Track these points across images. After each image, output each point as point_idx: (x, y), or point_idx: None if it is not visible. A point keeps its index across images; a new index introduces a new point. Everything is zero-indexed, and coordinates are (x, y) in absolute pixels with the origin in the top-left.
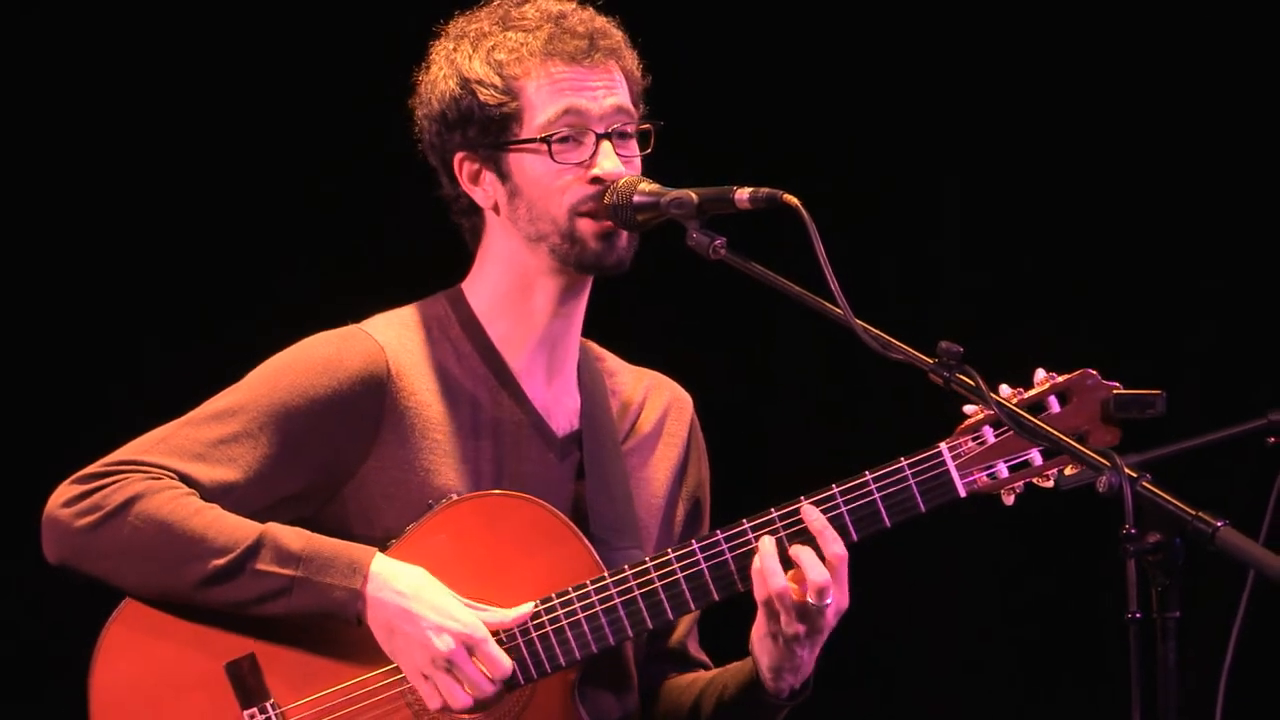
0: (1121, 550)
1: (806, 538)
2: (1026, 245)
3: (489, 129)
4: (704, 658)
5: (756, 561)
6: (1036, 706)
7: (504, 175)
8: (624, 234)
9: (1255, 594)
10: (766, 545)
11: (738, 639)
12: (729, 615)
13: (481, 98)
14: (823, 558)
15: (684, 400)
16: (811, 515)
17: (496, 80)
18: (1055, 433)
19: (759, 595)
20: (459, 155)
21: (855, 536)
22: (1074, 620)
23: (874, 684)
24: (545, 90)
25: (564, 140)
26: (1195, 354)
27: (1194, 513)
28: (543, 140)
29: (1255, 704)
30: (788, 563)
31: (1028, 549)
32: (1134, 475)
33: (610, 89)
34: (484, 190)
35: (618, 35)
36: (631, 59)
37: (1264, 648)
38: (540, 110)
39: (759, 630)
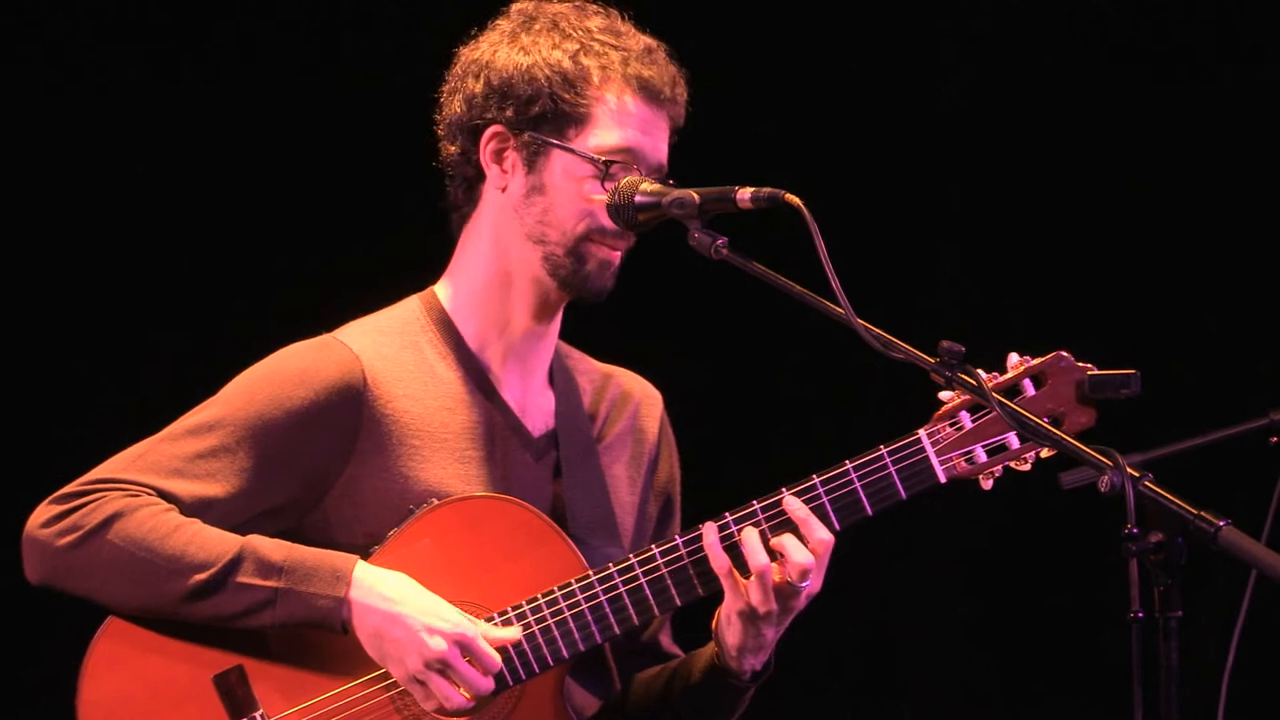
0: (1124, 550)
1: (789, 528)
2: (1026, 244)
3: (546, 120)
4: (677, 650)
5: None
6: (1039, 706)
7: (533, 168)
8: (615, 266)
9: (1257, 594)
10: (750, 535)
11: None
12: (709, 609)
13: (555, 89)
14: (806, 544)
15: (654, 397)
16: (794, 505)
17: (578, 80)
18: (1059, 433)
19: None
20: (494, 128)
21: (838, 526)
22: (1076, 620)
23: (874, 684)
24: (617, 115)
25: (614, 169)
26: (1197, 353)
27: (1196, 512)
28: (604, 162)
29: (1257, 704)
30: (770, 552)
31: (1029, 548)
32: (1136, 475)
33: (665, 141)
34: (502, 170)
35: (685, 91)
36: (681, 118)
37: (1266, 647)
38: (604, 131)
39: (727, 609)
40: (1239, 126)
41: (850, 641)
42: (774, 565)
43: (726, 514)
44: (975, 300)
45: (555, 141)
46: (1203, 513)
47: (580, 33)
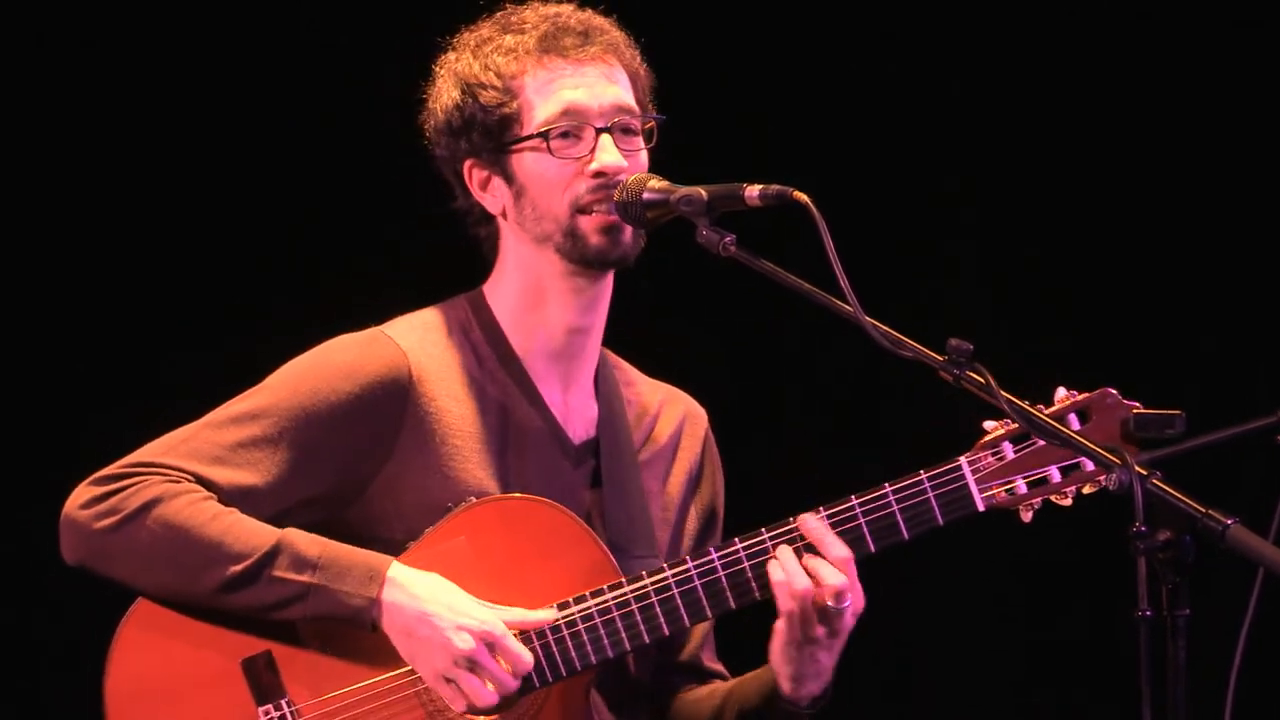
0: (1132, 548)
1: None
2: (1034, 239)
3: (491, 132)
4: (720, 668)
5: (777, 571)
6: (1046, 705)
7: (509, 177)
8: (628, 229)
9: (1265, 592)
10: (785, 553)
11: (750, 648)
12: (741, 624)
13: (482, 100)
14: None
15: (699, 415)
16: (809, 525)
17: (495, 81)
18: (1064, 430)
19: (782, 603)
20: (468, 163)
21: (873, 548)
22: (1083, 618)
23: (878, 682)
24: (542, 86)
25: (563, 135)
26: (1205, 351)
27: (1204, 510)
28: (540, 136)
29: (1264, 702)
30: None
31: (1036, 546)
32: (1144, 473)
33: (609, 82)
34: (493, 196)
35: (616, 32)
36: (632, 55)
37: (1273, 646)
38: (538, 107)
39: (779, 640)
40: (1246, 122)
41: (855, 639)
42: (815, 590)
43: (762, 530)
44: (980, 299)
45: (508, 142)
46: (1211, 511)
47: (492, 40)
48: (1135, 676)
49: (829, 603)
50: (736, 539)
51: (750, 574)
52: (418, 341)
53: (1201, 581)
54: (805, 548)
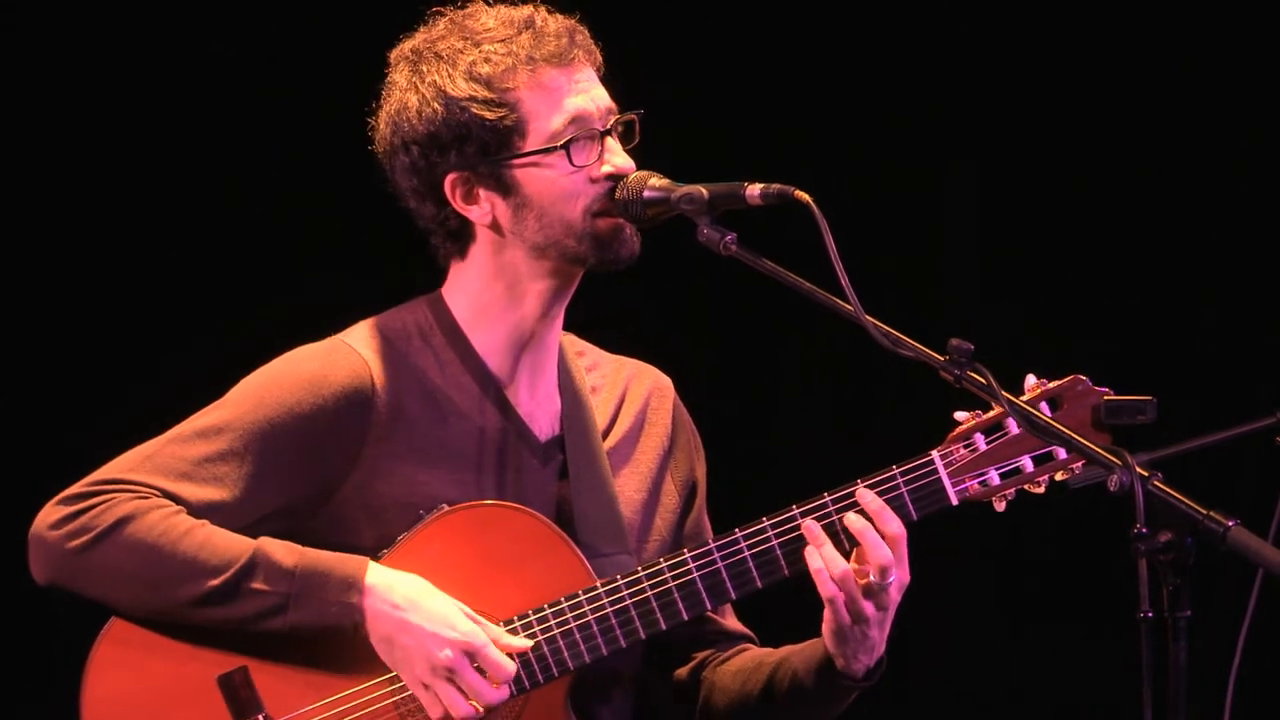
0: (1133, 549)
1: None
2: (1034, 239)
3: (488, 145)
4: (744, 629)
5: (815, 559)
6: (1047, 706)
7: (507, 190)
8: (629, 226)
9: (1265, 592)
10: (821, 541)
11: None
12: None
13: (476, 114)
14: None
15: (664, 385)
16: (868, 497)
17: (489, 95)
18: (1067, 431)
19: (824, 590)
20: (451, 176)
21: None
22: (1084, 619)
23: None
24: (543, 98)
25: (573, 143)
26: (1204, 351)
27: (1205, 512)
28: (561, 148)
29: (1264, 702)
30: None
31: (1036, 547)
32: (1145, 474)
33: (597, 84)
34: (481, 208)
35: (585, 30)
36: (599, 52)
37: (1273, 646)
38: (544, 119)
39: (829, 624)
40: (1245, 121)
41: None
42: (854, 567)
43: (794, 506)
44: (983, 298)
45: (511, 159)
46: (1212, 512)
47: (466, 51)
48: (1136, 677)
49: (874, 579)
50: (711, 540)
51: (725, 574)
52: (379, 349)
53: (1202, 582)
54: (784, 545)
